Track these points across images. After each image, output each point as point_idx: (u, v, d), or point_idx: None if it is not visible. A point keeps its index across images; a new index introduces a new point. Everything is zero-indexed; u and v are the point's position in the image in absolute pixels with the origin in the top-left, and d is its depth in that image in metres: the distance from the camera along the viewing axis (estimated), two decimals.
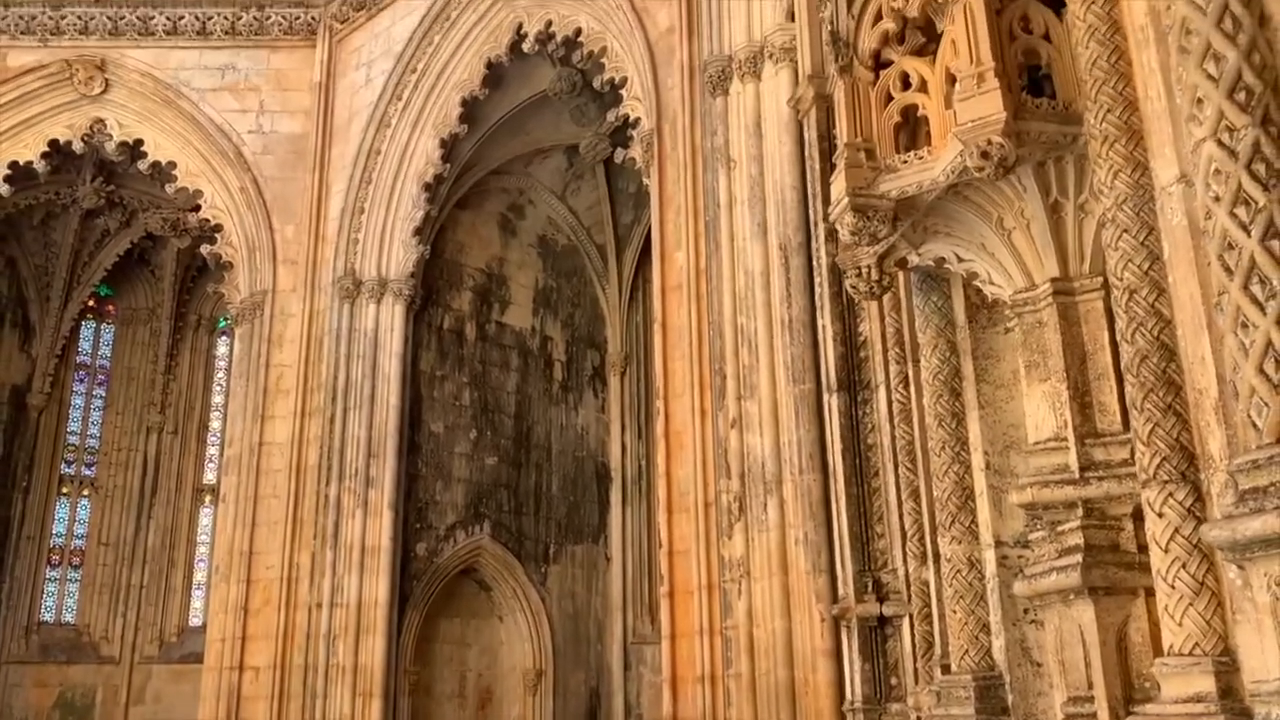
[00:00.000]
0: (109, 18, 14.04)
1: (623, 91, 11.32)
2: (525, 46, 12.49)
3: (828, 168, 4.58)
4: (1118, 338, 3.22)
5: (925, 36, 3.57)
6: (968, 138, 3.28)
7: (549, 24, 12.15)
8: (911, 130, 3.68)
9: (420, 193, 13.19)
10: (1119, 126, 3.11)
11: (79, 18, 14.00)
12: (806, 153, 6.34)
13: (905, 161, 3.59)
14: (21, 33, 13.95)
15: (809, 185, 6.58)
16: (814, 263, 8.14)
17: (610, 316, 15.86)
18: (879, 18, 3.58)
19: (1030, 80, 3.47)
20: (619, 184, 15.03)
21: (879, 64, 3.66)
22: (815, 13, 4.16)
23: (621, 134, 12.63)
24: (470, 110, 13.10)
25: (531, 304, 15.30)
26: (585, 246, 15.66)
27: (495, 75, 12.98)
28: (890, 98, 3.65)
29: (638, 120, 10.99)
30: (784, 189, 8.82)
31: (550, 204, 15.29)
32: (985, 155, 3.27)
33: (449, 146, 13.17)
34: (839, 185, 3.68)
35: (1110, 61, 3.13)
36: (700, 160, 9.86)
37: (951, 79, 3.43)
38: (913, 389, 4.27)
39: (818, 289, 7.06)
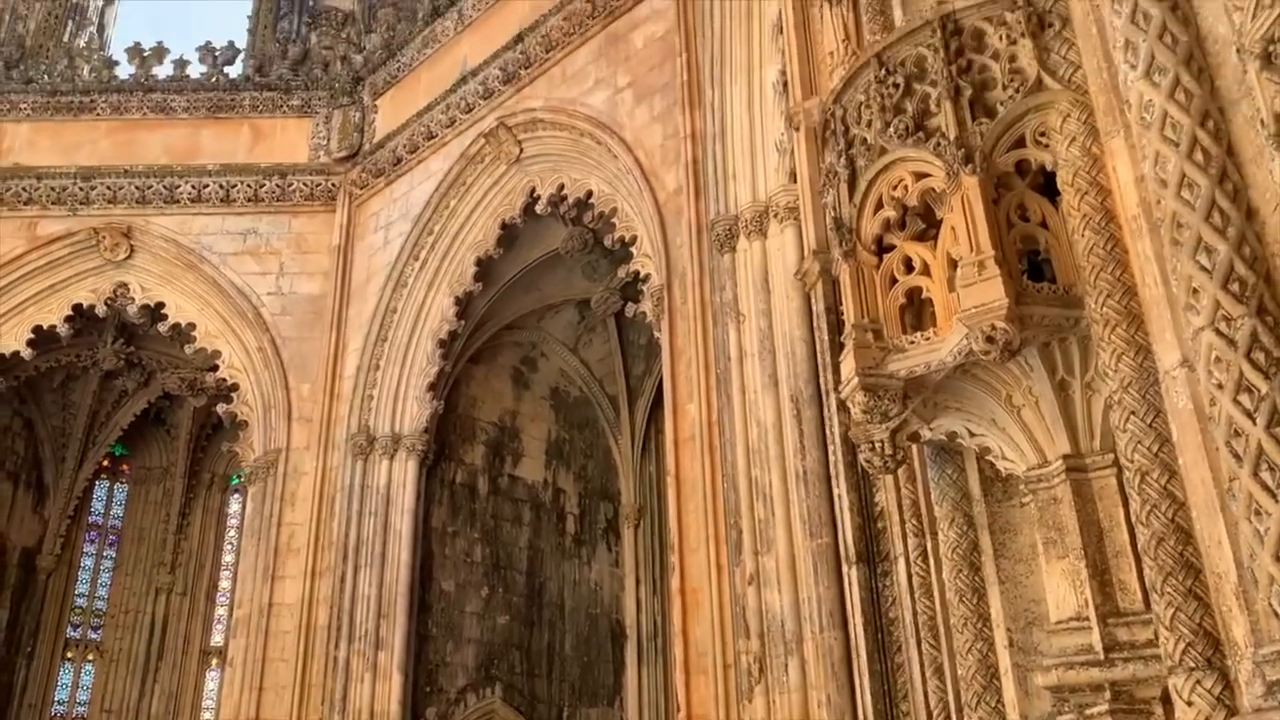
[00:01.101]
0: (137, 187, 14.59)
1: (633, 249, 11.61)
2: (538, 208, 12.88)
3: (836, 341, 4.67)
4: (1132, 519, 3.21)
5: (925, 222, 3.68)
6: (972, 323, 3.35)
7: (561, 187, 12.57)
8: (917, 310, 3.76)
9: (435, 349, 13.39)
10: (1119, 311, 3.18)
11: (108, 188, 14.56)
12: (815, 324, 6.48)
13: (912, 342, 3.66)
14: (52, 203, 14.50)
15: (819, 356, 6.69)
16: (825, 418, 8.17)
17: (623, 468, 15.82)
18: (880, 205, 3.70)
19: (1030, 263, 3.56)
20: (630, 336, 15.24)
21: (882, 248, 3.77)
22: (818, 196, 4.30)
23: (632, 288, 12.88)
24: (485, 269, 13.42)
25: (544, 456, 15.30)
26: (597, 398, 15.77)
27: (509, 235, 13.35)
28: (894, 280, 3.75)
29: (648, 276, 11.22)
30: (793, 342, 8.94)
31: (562, 357, 15.49)
32: (990, 340, 3.34)
33: (464, 304, 13.44)
34: (848, 365, 3.74)
35: (1106, 249, 3.23)
36: (710, 314, 10.01)
37: (953, 263, 3.53)
38: (932, 562, 4.24)
39: (832, 458, 7.07)
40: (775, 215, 9.49)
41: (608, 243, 12.54)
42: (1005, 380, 3.75)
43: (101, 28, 18.34)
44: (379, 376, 13.32)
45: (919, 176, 3.59)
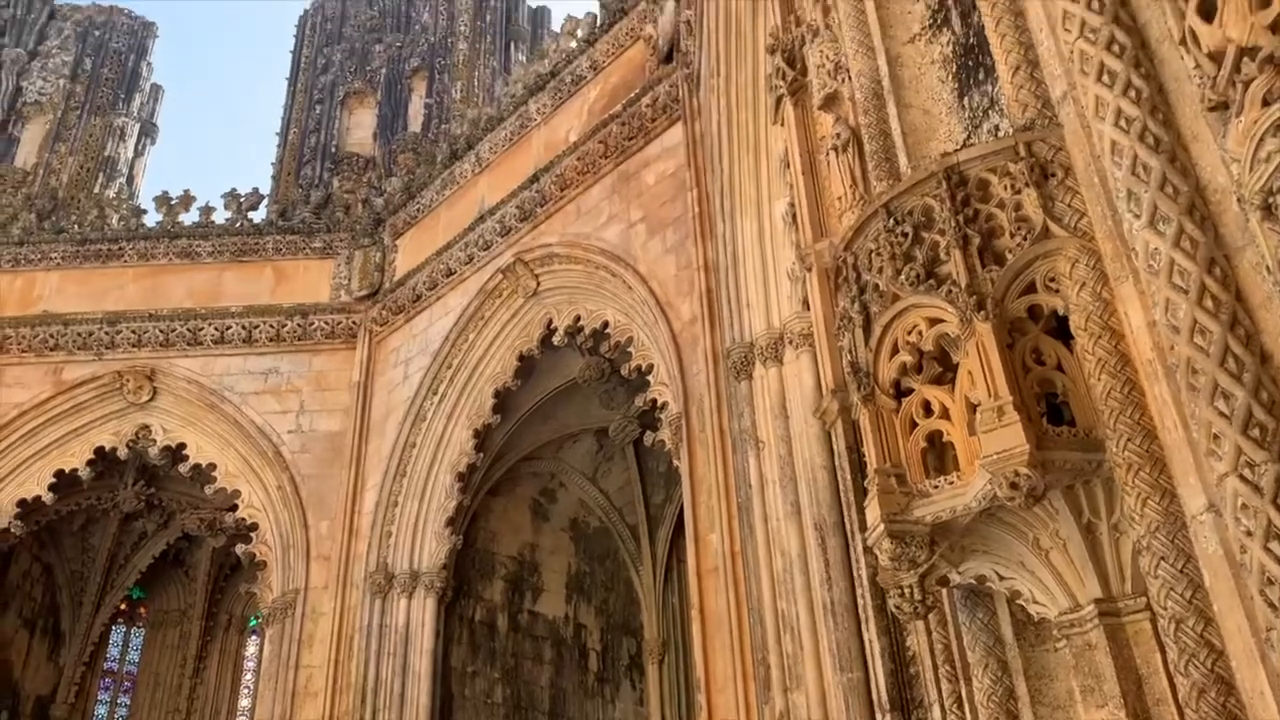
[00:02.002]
0: (161, 330, 14.88)
1: (650, 378, 11.69)
2: (555, 339, 13.05)
3: (858, 481, 4.65)
4: (1170, 669, 3.13)
5: (942, 366, 3.71)
6: (995, 469, 3.34)
7: (578, 318, 12.75)
8: (939, 453, 3.75)
9: (454, 483, 13.38)
10: (1141, 455, 3.16)
11: (133, 331, 14.85)
12: (837, 462, 6.47)
13: (936, 487, 3.65)
14: (79, 348, 14.78)
15: (842, 494, 6.67)
16: (850, 548, 8.05)
17: (645, 600, 15.54)
18: (896, 350, 3.74)
19: (1049, 405, 3.57)
20: (649, 464, 15.20)
21: (900, 391, 3.80)
22: (834, 338, 4.35)
23: (650, 416, 12.91)
24: (503, 400, 13.52)
25: (564, 591, 15.07)
26: (618, 528, 15.63)
27: (527, 367, 13.48)
28: (914, 423, 3.75)
29: (665, 404, 11.27)
30: (814, 469, 8.87)
31: (581, 486, 15.43)
32: (1014, 486, 3.33)
33: (482, 436, 13.48)
34: (873, 511, 3.72)
35: (1124, 392, 3.23)
36: (729, 442, 9.99)
37: (972, 407, 3.54)
38: (967, 709, 4.11)
39: (860, 600, 6.95)
40: (790, 342, 9.54)
41: (625, 371, 12.63)
42: (1032, 523, 3.72)
43: (131, 178, 19.01)
44: (397, 513, 13.29)
45: (933, 322, 3.63)
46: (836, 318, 4.08)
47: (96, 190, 17.50)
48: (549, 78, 14.19)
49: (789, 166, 7.99)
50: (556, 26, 16.74)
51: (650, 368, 11.70)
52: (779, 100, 5.81)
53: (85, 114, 18.20)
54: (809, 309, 8.93)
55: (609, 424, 14.44)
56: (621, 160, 12.61)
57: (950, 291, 3.54)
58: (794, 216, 8.19)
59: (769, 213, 10.21)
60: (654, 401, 11.65)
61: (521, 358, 13.38)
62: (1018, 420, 3.30)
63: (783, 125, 5.97)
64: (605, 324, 12.44)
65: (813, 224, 5.37)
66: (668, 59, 12.33)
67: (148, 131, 19.71)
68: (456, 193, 15.03)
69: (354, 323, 15.11)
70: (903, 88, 4.27)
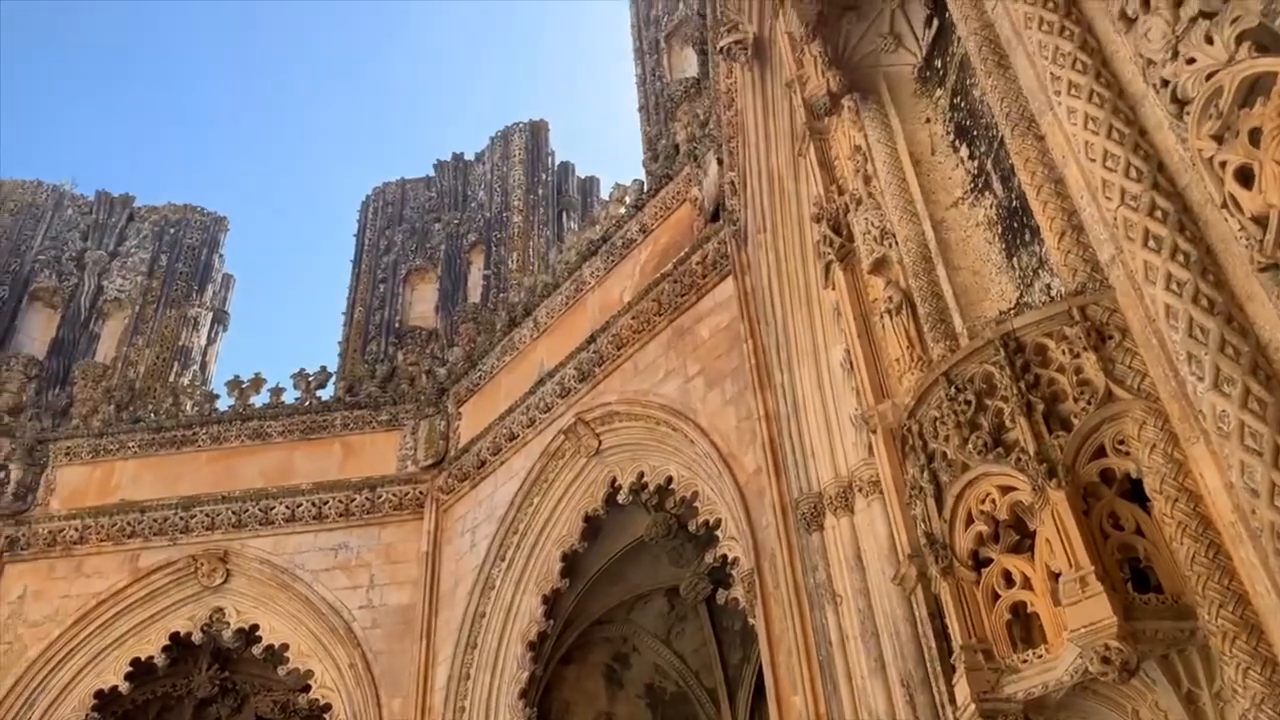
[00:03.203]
0: (234, 512, 15.14)
1: (718, 532, 11.53)
2: (620, 498, 12.99)
3: (943, 649, 4.50)
4: None
5: (1019, 534, 3.63)
6: (1083, 643, 3.22)
7: (641, 475, 12.72)
8: (1024, 623, 3.63)
9: (525, 652, 13.14)
10: (1235, 622, 3.03)
11: (207, 515, 15.12)
12: (919, 629, 6.27)
13: (1025, 661, 3.52)
14: (155, 534, 15.06)
15: (928, 665, 6.42)
16: (938, 704, 7.70)
17: None
18: (970, 520, 3.68)
19: (1133, 569, 3.46)
20: (724, 622, 14.82)
21: (978, 561, 3.71)
22: (906, 506, 4.29)
23: (721, 572, 12.67)
24: (571, 564, 13.39)
25: None
26: (695, 692, 15.14)
27: (593, 527, 13.40)
28: (996, 595, 3.65)
29: (736, 560, 11.07)
30: (896, 621, 8.58)
31: (655, 649, 15.06)
32: (1105, 660, 3.20)
33: (551, 602, 13.31)
34: (963, 690, 3.59)
35: (1209, 556, 3.13)
36: (805, 597, 9.74)
37: (1053, 575, 3.44)
38: None
39: None
40: (860, 490, 9.38)
41: (692, 527, 12.48)
42: (1130, 695, 3.55)
43: (204, 365, 19.73)
44: (470, 686, 13.05)
45: (1005, 490, 3.58)
46: (907, 486, 4.03)
47: (171, 379, 18.17)
48: (600, 243, 14.62)
49: (840, 315, 8.09)
50: (605, 194, 17.35)
51: (718, 522, 11.56)
52: (828, 266, 5.91)
53: (161, 307, 19.07)
54: (875, 454, 8.86)
55: (679, 582, 14.19)
56: (675, 316, 12.81)
57: (1019, 459, 3.50)
58: (851, 363, 8.21)
59: (826, 360, 10.24)
60: (724, 557, 11.45)
61: (587, 518, 13.32)
62: (1102, 591, 3.19)
63: (833, 289, 6.06)
64: (669, 479, 12.38)
65: (873, 386, 5.37)
66: (714, 218, 12.66)
67: (220, 319, 20.59)
68: (516, 358, 15.33)
69: (421, 493, 15.25)
70: (950, 250, 4.33)
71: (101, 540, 15.09)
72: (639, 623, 14.95)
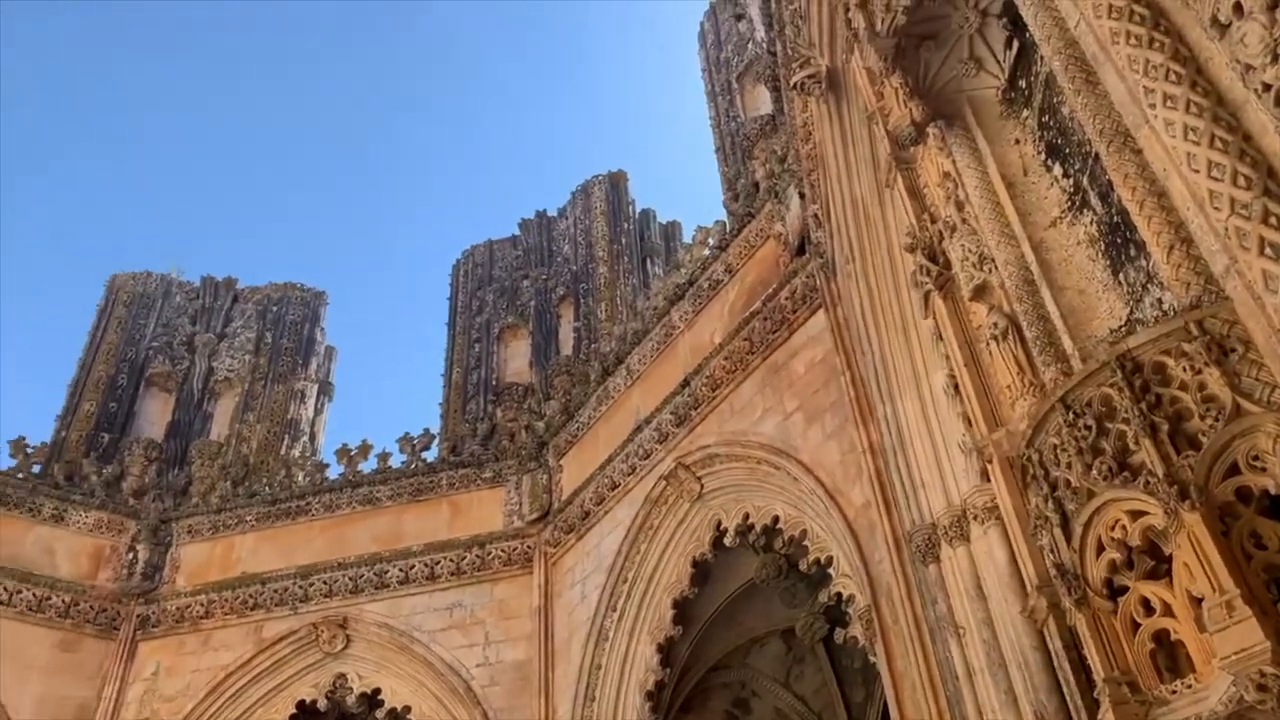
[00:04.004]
0: (350, 578, 15.46)
1: (830, 570, 11.33)
2: (727, 541, 12.87)
3: (1082, 681, 4.33)
4: None
5: (1153, 559, 3.49)
6: (1235, 670, 3.07)
7: (746, 516, 12.59)
8: (1168, 651, 3.48)
9: (644, 703, 13.04)
10: None
11: (324, 582, 15.47)
12: (1055, 662, 6.03)
13: (1174, 692, 3.37)
14: (276, 604, 15.47)
15: (1067, 699, 6.16)
16: None
17: None
18: (1101, 548, 3.55)
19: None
20: (844, 661, 14.52)
21: (1114, 590, 3.57)
22: (1031, 536, 4.16)
23: (837, 610, 12.43)
24: (682, 610, 13.29)
25: None
26: None
27: (701, 572, 13.30)
28: (1136, 623, 3.51)
29: (851, 597, 10.85)
30: (1024, 651, 8.27)
31: (775, 693, 14.81)
32: (1262, 688, 3.05)
33: (666, 650, 13.21)
34: None
35: None
36: (926, 631, 9.47)
37: (1195, 600, 3.30)
38: None
39: None
40: (974, 517, 9.11)
41: (803, 567, 12.28)
42: None
43: (313, 436, 20.31)
44: None
45: (1135, 515, 3.45)
46: (1030, 516, 3.91)
47: (283, 452, 18.75)
48: (687, 286, 14.66)
49: (941, 338, 7.94)
50: (688, 238, 17.42)
51: (829, 560, 11.37)
52: (927, 295, 5.82)
53: (269, 383, 19.74)
54: (988, 480, 8.61)
55: (795, 623, 13.94)
56: (768, 353, 12.72)
57: (1148, 482, 3.38)
58: (955, 388, 8.04)
59: (928, 387, 10.02)
60: (839, 595, 11.23)
61: (695, 563, 13.23)
62: (1250, 615, 3.04)
63: (934, 320, 5.96)
64: (775, 519, 12.24)
65: (984, 414, 5.24)
66: (799, 252, 12.60)
67: (325, 390, 21.21)
68: (612, 407, 15.41)
69: (528, 547, 15.37)
70: (1053, 271, 4.23)
71: (226, 613, 15.56)
72: (756, 666, 14.73)
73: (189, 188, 62.31)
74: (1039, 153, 4.69)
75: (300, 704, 14.80)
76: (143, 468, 17.68)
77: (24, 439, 17.24)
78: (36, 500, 16.33)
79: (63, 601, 15.55)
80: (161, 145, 61.86)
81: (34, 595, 15.36)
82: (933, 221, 5.53)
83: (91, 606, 15.75)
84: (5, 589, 15.19)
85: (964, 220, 5.00)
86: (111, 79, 60.57)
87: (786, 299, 12.52)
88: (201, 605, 15.74)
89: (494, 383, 18.78)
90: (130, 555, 16.33)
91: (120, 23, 60.07)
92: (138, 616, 15.85)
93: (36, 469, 17.03)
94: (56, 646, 15.26)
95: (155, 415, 19.20)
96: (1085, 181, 4.27)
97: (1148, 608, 3.49)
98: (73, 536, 16.36)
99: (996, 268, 4.54)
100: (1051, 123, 4.67)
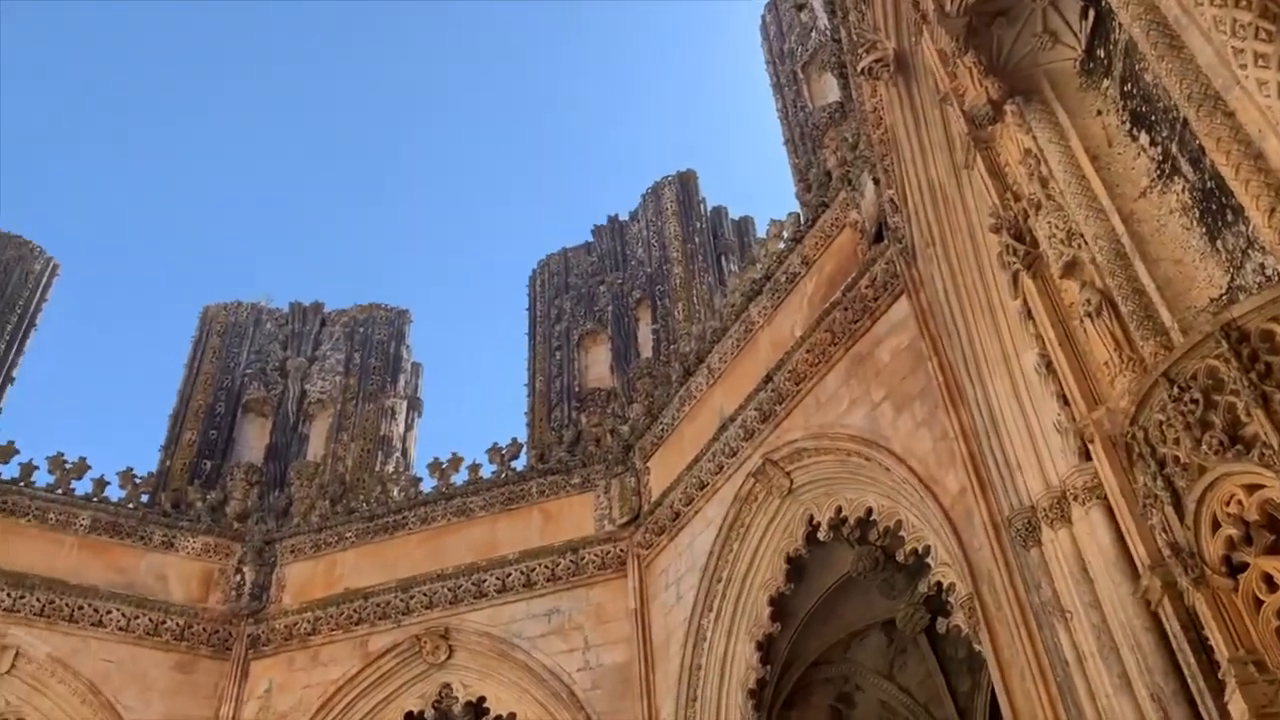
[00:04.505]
0: (449, 588, 15.73)
1: (928, 559, 11.17)
2: (820, 535, 12.77)
3: (1203, 662, 4.20)
4: None
5: (1273, 533, 3.37)
6: None
7: (839, 510, 12.48)
8: None
9: (746, 701, 13.00)
10: None
11: (425, 594, 15.77)
12: (1174, 644, 5.85)
13: None
14: (379, 618, 15.81)
15: (1188, 680, 5.96)
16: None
17: None
18: (1217, 525, 3.44)
19: None
20: (948, 651, 14.27)
21: (1232, 566, 3.45)
22: (1138, 515, 4.04)
23: (937, 600, 12.23)
24: (779, 607, 13.22)
25: None
26: None
27: (796, 568, 13.22)
28: (1259, 600, 3.39)
29: (951, 585, 10.68)
30: (1136, 633, 8.01)
31: (879, 686, 14.63)
32: None
33: (765, 648, 13.15)
34: (1238, 706, 3.34)
35: None
36: (1031, 616, 9.26)
37: None
38: None
39: None
40: (1075, 498, 8.85)
41: (900, 557, 12.13)
42: None
43: (405, 451, 20.73)
44: None
45: (1251, 489, 3.34)
46: (1139, 495, 3.80)
47: (377, 468, 19.17)
48: (764, 281, 14.58)
49: (1031, 316, 7.77)
50: (761, 232, 17.33)
51: (927, 549, 11.20)
52: (1015, 275, 5.70)
53: (360, 402, 20.21)
54: (1087, 459, 8.39)
55: (895, 615, 13.77)
56: (851, 344, 12.59)
57: (1263, 454, 3.26)
58: (1048, 367, 7.85)
59: (1019, 367, 9.80)
60: (938, 584, 11.06)
61: (789, 559, 13.15)
62: None
63: (1023, 300, 5.83)
64: (869, 511, 12.11)
65: (1082, 394, 5.11)
66: (877, 239, 12.44)
67: (414, 406, 21.66)
68: (695, 407, 15.40)
69: (621, 550, 15.46)
70: (1145, 243, 4.10)
71: (332, 629, 15.96)
72: (858, 660, 14.58)
73: (268, 214, 64.13)
74: (1123, 122, 4.55)
75: (408, 715, 15.10)
76: (245, 491, 18.24)
77: (132, 470, 17.91)
78: (147, 529, 16.97)
79: (177, 625, 16.12)
80: (237, 175, 63.78)
81: (150, 620, 15.95)
82: (1016, 200, 5.41)
83: (204, 628, 16.30)
84: (124, 615, 15.81)
85: (1049, 197, 4.88)
86: (174, 115, 62.67)
87: (867, 287, 12.37)
88: (308, 622, 16.17)
89: (577, 389, 18.93)
90: (238, 577, 16.86)
91: (186, 55, 62.10)
92: (248, 636, 16.35)
93: (145, 498, 17.67)
94: (174, 668, 15.83)
95: (254, 440, 19.81)
96: (1174, 148, 4.13)
97: (1270, 584, 3.38)
98: (182, 562, 16.95)
99: (1086, 243, 4.42)
100: (1134, 91, 4.53)
